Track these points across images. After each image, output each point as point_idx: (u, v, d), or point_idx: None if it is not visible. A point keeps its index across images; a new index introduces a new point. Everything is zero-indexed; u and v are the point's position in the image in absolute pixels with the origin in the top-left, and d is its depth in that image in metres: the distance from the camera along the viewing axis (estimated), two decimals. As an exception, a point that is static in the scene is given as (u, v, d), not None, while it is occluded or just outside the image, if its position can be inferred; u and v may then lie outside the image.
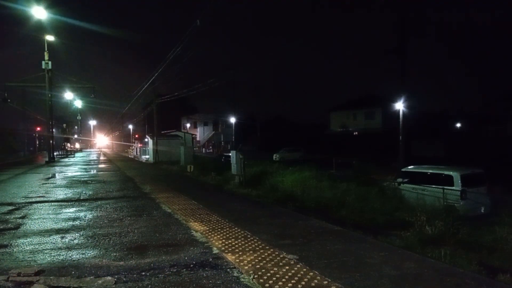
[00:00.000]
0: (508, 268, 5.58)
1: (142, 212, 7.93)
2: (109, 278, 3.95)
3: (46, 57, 27.51)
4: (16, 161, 30.45)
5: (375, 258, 4.65)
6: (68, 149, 54.51)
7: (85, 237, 5.78)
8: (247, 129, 59.38)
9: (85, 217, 7.41)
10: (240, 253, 4.86)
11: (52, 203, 9.17)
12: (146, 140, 37.82)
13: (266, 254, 4.81)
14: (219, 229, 6.20)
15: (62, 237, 5.76)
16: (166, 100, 36.61)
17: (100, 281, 3.85)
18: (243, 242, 5.38)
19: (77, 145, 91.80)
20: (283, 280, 3.89)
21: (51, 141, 31.48)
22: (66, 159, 36.01)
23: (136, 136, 58.29)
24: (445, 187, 10.73)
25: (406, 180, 12.58)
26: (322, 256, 4.73)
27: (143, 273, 4.09)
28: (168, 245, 5.25)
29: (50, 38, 27.45)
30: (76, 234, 5.95)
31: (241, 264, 4.40)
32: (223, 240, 5.48)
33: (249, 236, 5.76)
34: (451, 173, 11.34)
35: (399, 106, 18.72)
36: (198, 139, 66.41)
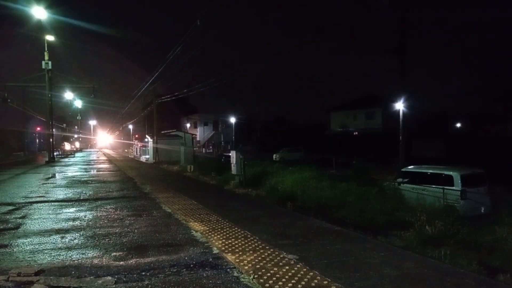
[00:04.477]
0: (508, 268, 5.57)
1: (142, 212, 7.93)
2: (109, 278, 3.95)
3: (46, 57, 27.52)
4: (16, 161, 30.44)
5: (375, 258, 4.65)
6: (67, 149, 54.16)
7: (85, 237, 5.78)
8: (247, 129, 59.39)
9: (85, 217, 7.41)
10: (240, 253, 4.86)
11: (52, 203, 9.17)
12: (146, 140, 37.82)
13: (266, 254, 4.81)
14: (219, 229, 6.21)
15: (62, 237, 5.76)
16: (166, 100, 36.62)
17: (100, 281, 3.85)
18: (243, 242, 5.38)
19: (77, 145, 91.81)
20: (283, 280, 3.89)
21: (51, 141, 31.49)
22: (66, 159, 36.01)
23: (136, 136, 58.25)
24: (445, 187, 10.73)
25: (406, 180, 12.56)
26: (322, 256, 4.73)
27: (143, 273, 4.10)
28: (168, 245, 5.25)
29: (50, 38, 27.48)
30: (76, 234, 5.95)
31: (241, 264, 4.40)
32: (223, 240, 5.49)
33: (249, 236, 5.76)
34: (451, 173, 11.33)
35: (399, 106, 18.72)
36: (198, 139, 66.36)
